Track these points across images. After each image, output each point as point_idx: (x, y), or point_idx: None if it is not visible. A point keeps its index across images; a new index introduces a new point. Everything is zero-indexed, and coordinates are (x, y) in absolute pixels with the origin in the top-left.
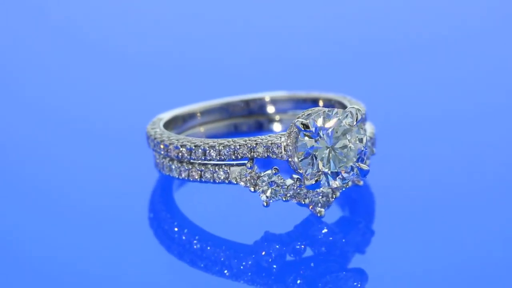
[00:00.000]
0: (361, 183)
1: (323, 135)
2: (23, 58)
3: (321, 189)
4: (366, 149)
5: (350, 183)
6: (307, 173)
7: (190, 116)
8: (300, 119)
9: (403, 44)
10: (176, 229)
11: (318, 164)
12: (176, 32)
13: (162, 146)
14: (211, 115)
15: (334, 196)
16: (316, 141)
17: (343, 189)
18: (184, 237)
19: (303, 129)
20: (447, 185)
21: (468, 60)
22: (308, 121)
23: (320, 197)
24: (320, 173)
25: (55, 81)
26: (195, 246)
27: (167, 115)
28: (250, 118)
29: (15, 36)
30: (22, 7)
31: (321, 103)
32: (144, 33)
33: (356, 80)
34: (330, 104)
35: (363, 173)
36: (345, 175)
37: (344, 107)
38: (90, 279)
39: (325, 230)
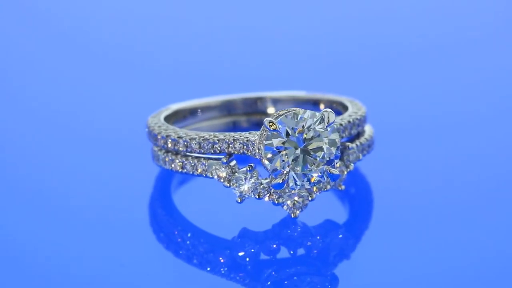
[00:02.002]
0: (343, 187)
1: (292, 135)
2: (22, 58)
3: (297, 190)
4: (338, 152)
5: (328, 187)
6: (273, 173)
7: (191, 111)
8: (268, 118)
9: (405, 46)
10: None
11: (284, 165)
12: (186, 30)
13: (153, 135)
14: (212, 111)
15: (310, 198)
16: (284, 141)
17: (319, 192)
18: (173, 230)
19: (270, 128)
20: (445, 188)
21: (468, 62)
22: (276, 120)
23: (296, 198)
24: (286, 173)
25: (59, 80)
26: (178, 238)
27: (175, 107)
28: (251, 116)
29: (11, 37)
30: (17, 7)
31: (322, 104)
32: (152, 31)
33: (358, 82)
34: (331, 105)
35: (333, 178)
36: (315, 177)
37: (345, 108)
38: (84, 274)
39: (298, 231)
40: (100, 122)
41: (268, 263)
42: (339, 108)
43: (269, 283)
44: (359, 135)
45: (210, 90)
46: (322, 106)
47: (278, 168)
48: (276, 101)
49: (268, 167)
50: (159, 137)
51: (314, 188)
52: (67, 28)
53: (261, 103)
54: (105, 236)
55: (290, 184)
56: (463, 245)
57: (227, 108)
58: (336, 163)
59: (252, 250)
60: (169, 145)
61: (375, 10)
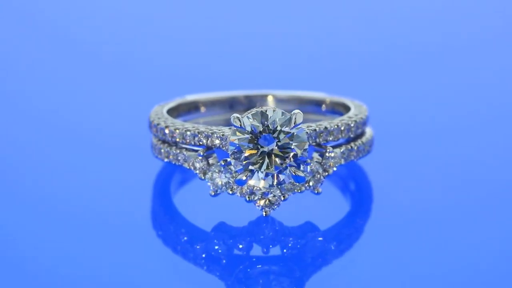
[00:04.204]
0: (320, 190)
1: (258, 133)
2: (25, 58)
3: (267, 188)
4: (305, 154)
5: (303, 188)
6: (236, 169)
7: (195, 106)
8: (235, 114)
9: (409, 48)
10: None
11: (247, 162)
12: (197, 29)
13: (149, 123)
14: (215, 107)
15: (283, 198)
16: (249, 139)
17: (292, 193)
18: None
19: (236, 124)
20: (446, 192)
21: (469, 65)
22: (242, 117)
23: (269, 196)
24: (248, 170)
25: (62, 80)
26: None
27: (190, 97)
28: None
29: (9, 37)
30: (16, 9)
31: (324, 105)
32: (162, 29)
33: (361, 83)
34: (333, 107)
35: (297, 180)
36: (279, 177)
37: (347, 109)
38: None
39: (274, 230)
40: (101, 119)
41: (241, 259)
42: (341, 110)
43: (238, 278)
44: (355, 138)
45: (220, 87)
46: (324, 107)
47: (240, 165)
48: (279, 100)
49: (232, 163)
50: (152, 124)
51: (286, 188)
52: (73, 25)
53: (263, 101)
54: (103, 234)
55: (253, 182)
56: (463, 250)
57: (230, 104)
58: (305, 166)
59: (217, 248)
60: (159, 134)
61: (379, 14)
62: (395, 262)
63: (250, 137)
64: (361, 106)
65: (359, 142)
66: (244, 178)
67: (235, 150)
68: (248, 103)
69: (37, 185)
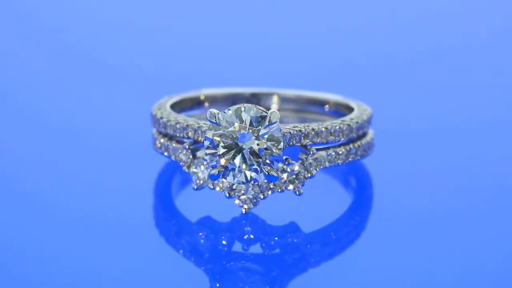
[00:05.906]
0: (301, 191)
1: (233, 130)
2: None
3: (249, 186)
4: (280, 153)
5: (283, 188)
6: (211, 164)
7: (198, 102)
8: (211, 110)
9: (414, 49)
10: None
11: (219, 157)
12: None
13: (150, 113)
14: (217, 103)
15: (262, 196)
16: (222, 134)
17: (272, 192)
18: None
19: (212, 120)
20: (447, 195)
21: (471, 66)
22: (218, 113)
23: (248, 194)
24: (222, 166)
25: (63, 80)
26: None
27: (206, 91)
28: None
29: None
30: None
31: (327, 105)
32: (173, 28)
33: (366, 83)
34: (337, 107)
35: (270, 179)
36: (252, 175)
37: (351, 110)
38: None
39: (255, 228)
40: (106, 118)
41: (223, 254)
42: (344, 111)
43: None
44: (350, 141)
45: (232, 85)
46: (327, 108)
47: (213, 159)
48: (283, 99)
49: (207, 158)
50: (152, 114)
51: (265, 187)
52: (84, 26)
53: (268, 100)
54: (102, 232)
55: (228, 178)
56: (463, 251)
57: (232, 101)
58: (286, 165)
59: (201, 241)
60: (156, 124)
61: (382, 17)
62: (388, 265)
63: (226, 133)
64: (365, 110)
65: (350, 146)
66: (216, 173)
67: (210, 145)
68: (254, 101)
69: (38, 184)
